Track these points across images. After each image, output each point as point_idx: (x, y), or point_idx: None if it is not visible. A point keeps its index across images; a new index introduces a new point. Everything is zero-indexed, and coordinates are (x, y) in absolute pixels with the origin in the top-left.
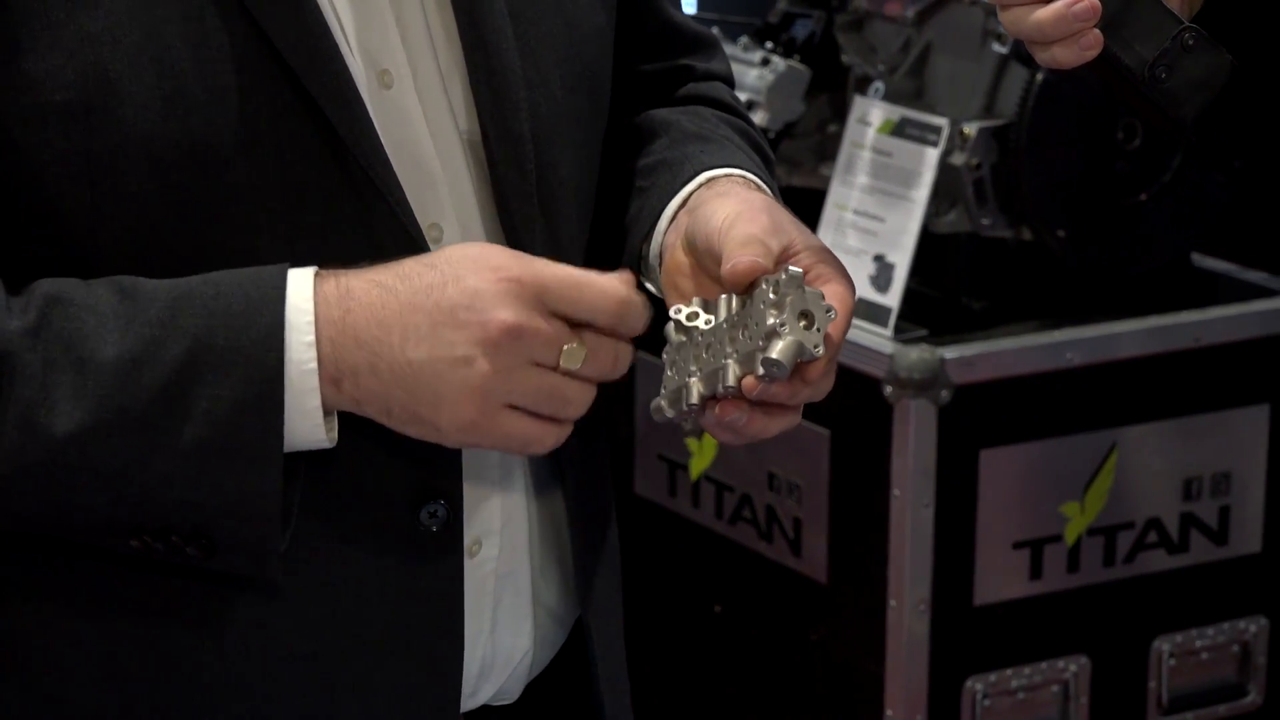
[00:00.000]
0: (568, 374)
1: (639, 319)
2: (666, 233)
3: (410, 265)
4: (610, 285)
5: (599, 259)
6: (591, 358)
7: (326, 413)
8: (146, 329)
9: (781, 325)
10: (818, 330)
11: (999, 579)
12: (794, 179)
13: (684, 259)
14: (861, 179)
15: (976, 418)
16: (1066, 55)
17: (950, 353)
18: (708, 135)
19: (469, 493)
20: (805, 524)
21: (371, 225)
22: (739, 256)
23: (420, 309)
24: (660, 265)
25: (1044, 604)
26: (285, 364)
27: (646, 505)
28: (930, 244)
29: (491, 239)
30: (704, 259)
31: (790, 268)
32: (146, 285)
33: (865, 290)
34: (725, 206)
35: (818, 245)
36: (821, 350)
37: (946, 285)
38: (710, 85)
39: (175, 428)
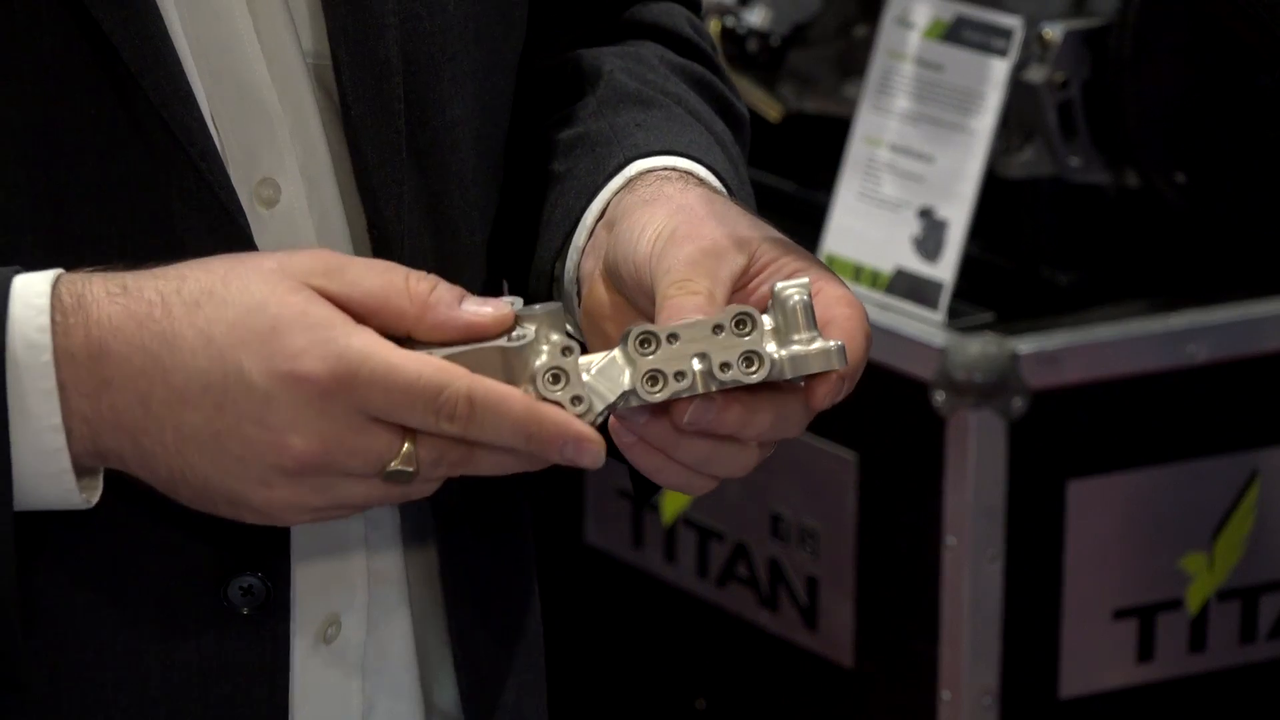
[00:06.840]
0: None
1: (556, 444)
2: (584, 253)
3: (176, 310)
4: (501, 400)
5: (504, 270)
6: (439, 459)
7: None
8: None
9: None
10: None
11: (1095, 662)
12: (806, 103)
13: (606, 296)
14: (901, 103)
15: (1063, 436)
16: None
17: (1026, 345)
18: (647, 98)
19: (302, 559)
20: (823, 585)
21: (167, 187)
22: (674, 302)
23: (191, 404)
24: (579, 297)
25: (1157, 695)
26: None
27: (602, 559)
28: (998, 193)
29: (348, 204)
30: (635, 297)
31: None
32: None
33: (908, 258)
34: (653, 221)
35: (793, 251)
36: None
37: (1020, 251)
38: (662, 6)
39: None
